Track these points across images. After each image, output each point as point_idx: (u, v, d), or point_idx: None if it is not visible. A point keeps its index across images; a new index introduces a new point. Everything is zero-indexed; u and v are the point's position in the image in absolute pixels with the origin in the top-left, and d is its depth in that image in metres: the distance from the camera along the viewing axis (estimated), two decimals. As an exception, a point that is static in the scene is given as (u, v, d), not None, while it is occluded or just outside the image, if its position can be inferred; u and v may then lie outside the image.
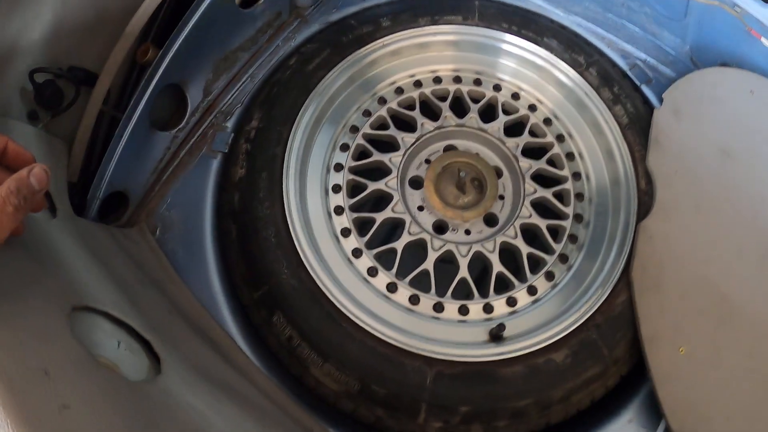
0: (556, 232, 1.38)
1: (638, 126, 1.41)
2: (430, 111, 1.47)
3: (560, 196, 1.41)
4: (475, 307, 1.27)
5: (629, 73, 1.52)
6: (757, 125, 1.53)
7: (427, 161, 1.43)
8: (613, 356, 1.20)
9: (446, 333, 1.22)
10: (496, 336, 1.21)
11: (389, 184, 1.36)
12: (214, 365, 1.12)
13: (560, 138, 1.46)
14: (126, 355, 0.93)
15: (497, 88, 1.50)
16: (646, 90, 1.51)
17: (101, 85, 1.29)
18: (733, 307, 1.30)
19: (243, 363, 1.20)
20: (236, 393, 1.06)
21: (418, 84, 1.50)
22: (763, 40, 1.67)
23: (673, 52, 1.59)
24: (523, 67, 1.50)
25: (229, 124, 1.40)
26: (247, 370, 1.18)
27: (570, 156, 1.44)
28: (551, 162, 1.44)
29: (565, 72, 1.45)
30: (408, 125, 1.45)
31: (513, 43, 1.48)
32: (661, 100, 1.45)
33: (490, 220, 1.39)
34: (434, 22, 1.48)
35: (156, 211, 1.29)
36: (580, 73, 1.45)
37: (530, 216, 1.36)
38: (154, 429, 0.82)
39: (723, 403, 1.22)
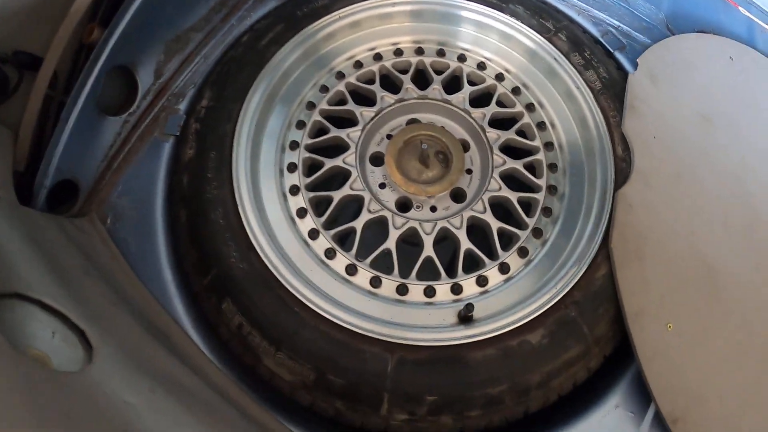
0: (529, 206, 1.28)
1: (612, 91, 1.33)
2: (392, 84, 1.40)
3: (532, 168, 1.32)
4: (443, 288, 1.17)
5: (602, 40, 1.44)
6: (737, 91, 1.46)
7: (389, 136, 1.35)
8: (595, 335, 1.10)
9: (411, 317, 1.13)
10: (465, 317, 1.11)
11: (347, 160, 1.27)
12: (158, 358, 1.04)
13: (530, 107, 1.37)
14: (59, 346, 0.87)
15: (462, 58, 1.43)
16: (620, 56, 1.43)
17: (46, 69, 1.21)
18: (720, 278, 1.22)
19: (193, 354, 1.12)
20: (180, 387, 0.97)
21: (378, 57, 1.42)
22: (740, 8, 1.61)
23: (648, 19, 1.53)
24: (488, 36, 1.43)
25: (182, 107, 1.33)
26: (198, 363, 1.11)
27: (541, 125, 1.36)
28: (521, 132, 1.35)
29: (532, 38, 1.38)
30: (368, 99, 1.37)
31: (477, 11, 1.42)
32: (635, 66, 1.37)
33: (458, 195, 1.30)
34: (393, -8, 1.41)
35: (107, 199, 1.22)
36: (548, 39, 1.37)
37: (500, 189, 1.27)
38: (72, 422, 0.74)
39: (716, 382, 1.12)
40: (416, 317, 1.13)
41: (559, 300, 1.11)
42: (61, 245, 1.07)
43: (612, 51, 1.43)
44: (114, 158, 1.27)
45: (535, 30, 1.38)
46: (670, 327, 1.15)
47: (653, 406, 1.10)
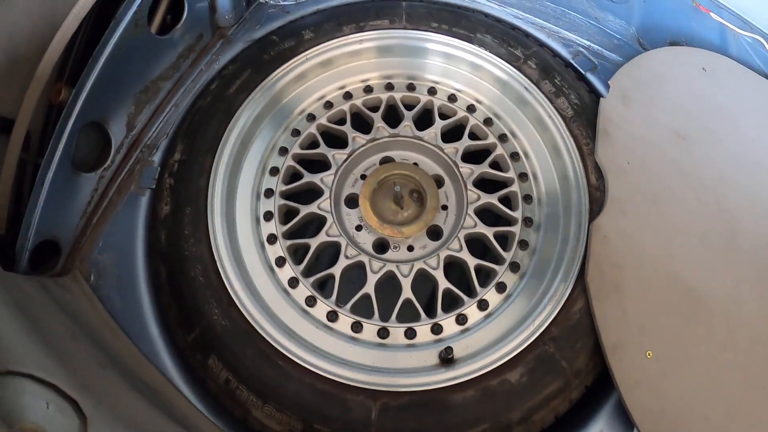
0: (505, 240, 1.29)
1: (584, 117, 1.32)
2: (363, 123, 1.40)
3: (507, 200, 1.32)
4: (423, 329, 1.19)
5: (573, 62, 1.43)
6: (710, 102, 1.45)
7: (363, 176, 1.35)
8: (574, 368, 1.12)
9: (393, 360, 1.14)
10: (445, 360, 1.13)
11: (322, 206, 1.28)
12: (151, 417, 1.06)
13: (503, 138, 1.37)
14: (55, 417, 0.88)
15: (432, 91, 1.42)
16: (592, 78, 1.42)
17: (17, 132, 1.22)
18: (701, 299, 1.22)
19: (185, 409, 1.14)
20: (175, 446, 1.00)
21: (348, 96, 1.42)
22: (712, 14, 1.59)
23: (619, 35, 1.51)
24: (457, 67, 1.42)
25: (156, 158, 1.33)
26: (190, 417, 1.13)
27: (515, 156, 1.36)
28: (495, 164, 1.35)
29: (501, 67, 1.37)
30: (340, 141, 1.37)
31: (445, 43, 1.41)
32: (607, 87, 1.37)
33: (434, 233, 1.31)
34: (360, 29, 1.40)
35: (89, 256, 1.23)
36: (518, 68, 1.36)
37: (475, 225, 1.27)
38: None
39: (698, 404, 1.13)
40: (398, 360, 1.14)
41: (537, 337, 1.12)
42: (47, 310, 1.08)
43: (584, 73, 1.42)
44: (93, 215, 1.28)
45: (504, 59, 1.37)
46: (649, 355, 1.16)
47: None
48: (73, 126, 1.17)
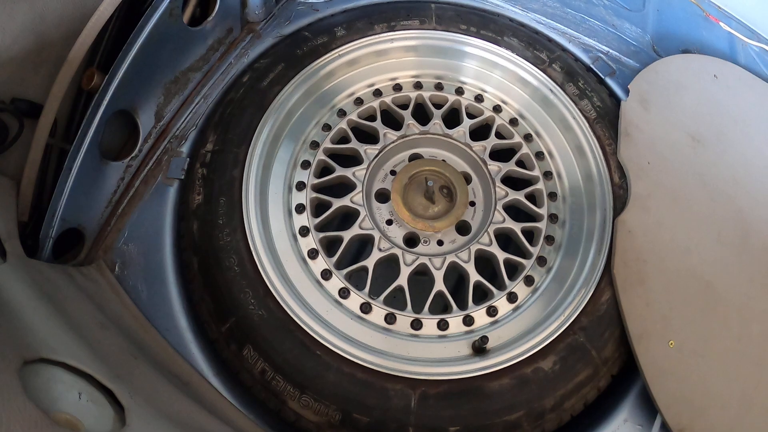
0: (531, 235, 1.33)
1: (606, 119, 1.38)
2: (392, 120, 1.42)
3: (533, 197, 1.36)
4: (455, 321, 1.21)
5: (593, 67, 1.49)
6: (723, 109, 1.52)
7: (393, 172, 1.38)
8: (603, 357, 1.15)
9: (427, 350, 1.16)
10: (479, 349, 1.15)
11: (354, 199, 1.30)
12: (185, 408, 1.04)
13: (528, 137, 1.42)
14: (89, 408, 0.86)
15: (459, 91, 1.46)
16: (611, 82, 1.48)
17: (46, 116, 1.19)
18: (717, 293, 1.28)
19: (216, 401, 1.13)
20: (210, 436, 0.99)
21: (377, 93, 1.44)
22: (721, 24, 1.68)
23: (635, 42, 1.58)
24: (484, 68, 1.47)
25: (185, 149, 1.33)
26: (221, 409, 1.12)
27: (539, 155, 1.40)
28: (521, 163, 1.40)
29: (528, 70, 1.42)
30: (370, 137, 1.39)
31: (472, 45, 1.45)
32: (626, 92, 1.43)
33: (463, 228, 1.34)
34: (391, 29, 1.43)
35: (114, 246, 1.22)
36: (543, 70, 1.41)
37: (504, 221, 1.31)
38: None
39: (716, 392, 1.18)
40: (432, 351, 1.16)
41: (568, 326, 1.15)
42: (75, 299, 1.07)
43: (603, 77, 1.48)
44: (118, 204, 1.27)
45: (530, 62, 1.42)
46: (671, 344, 1.21)
47: (659, 419, 1.15)
48: (104, 113, 1.16)
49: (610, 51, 1.53)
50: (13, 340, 0.83)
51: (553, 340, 1.14)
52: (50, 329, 0.91)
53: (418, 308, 1.22)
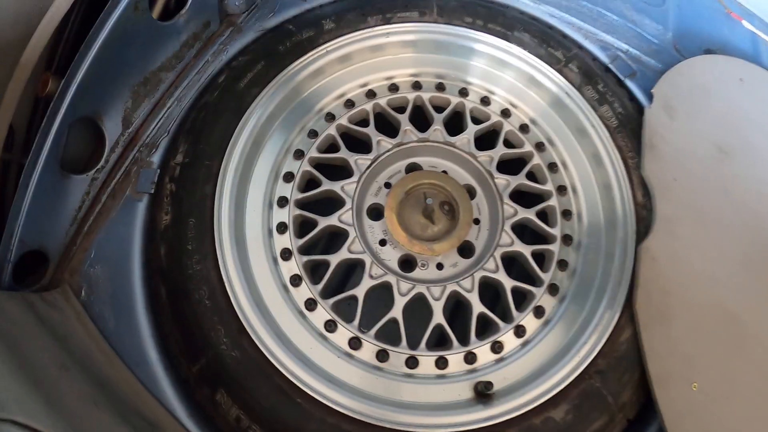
0: (542, 258, 1.19)
1: (629, 128, 1.23)
2: (388, 125, 1.26)
3: (544, 215, 1.22)
4: (455, 358, 1.08)
5: (611, 67, 1.33)
6: (749, 116, 1.39)
7: (387, 185, 1.22)
8: (619, 403, 1.04)
9: (423, 394, 1.04)
10: (483, 394, 1.02)
11: (343, 218, 1.15)
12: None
13: (540, 146, 1.26)
14: None
15: (463, 92, 1.30)
16: (631, 84, 1.32)
17: (-1, 128, 1.08)
18: (743, 326, 1.16)
19: None
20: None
21: (371, 94, 1.28)
22: (744, 22, 1.54)
23: (656, 40, 1.42)
24: (492, 67, 1.30)
25: (156, 159, 1.19)
26: None
27: (552, 167, 1.25)
28: (531, 175, 1.25)
29: (541, 70, 1.26)
30: (362, 144, 1.24)
31: (479, 40, 1.28)
32: (649, 96, 1.28)
33: (466, 249, 1.19)
34: (386, 21, 1.27)
35: (80, 268, 1.10)
36: (559, 71, 1.25)
37: (512, 243, 1.16)
38: None
39: (744, 435, 1.07)
40: (428, 394, 1.04)
41: (583, 370, 1.03)
42: (33, 334, 0.96)
43: (623, 79, 1.32)
44: (84, 221, 1.15)
45: (543, 60, 1.26)
46: (695, 387, 1.09)
47: None
48: (62, 121, 1.04)
49: (630, 49, 1.37)
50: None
51: (567, 385, 1.01)
52: (1, 381, 0.79)
53: (413, 343, 1.08)
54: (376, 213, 1.21)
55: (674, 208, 1.16)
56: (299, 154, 1.21)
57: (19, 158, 1.15)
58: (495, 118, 1.28)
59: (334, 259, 1.12)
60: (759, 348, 1.16)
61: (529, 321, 1.12)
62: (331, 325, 1.07)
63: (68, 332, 1.03)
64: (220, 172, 1.10)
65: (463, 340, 1.09)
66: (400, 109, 1.28)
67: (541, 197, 1.23)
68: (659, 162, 1.19)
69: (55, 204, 1.10)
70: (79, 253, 1.12)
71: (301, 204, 1.17)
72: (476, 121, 1.28)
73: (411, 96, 1.28)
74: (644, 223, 1.15)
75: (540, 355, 1.08)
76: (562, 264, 1.17)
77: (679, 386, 1.07)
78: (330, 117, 1.25)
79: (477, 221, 1.22)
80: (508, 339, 1.10)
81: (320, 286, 1.10)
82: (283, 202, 1.16)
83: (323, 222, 1.15)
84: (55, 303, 1.06)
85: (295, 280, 1.10)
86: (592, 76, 1.26)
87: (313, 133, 1.23)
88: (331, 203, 1.18)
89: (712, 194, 1.23)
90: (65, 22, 1.11)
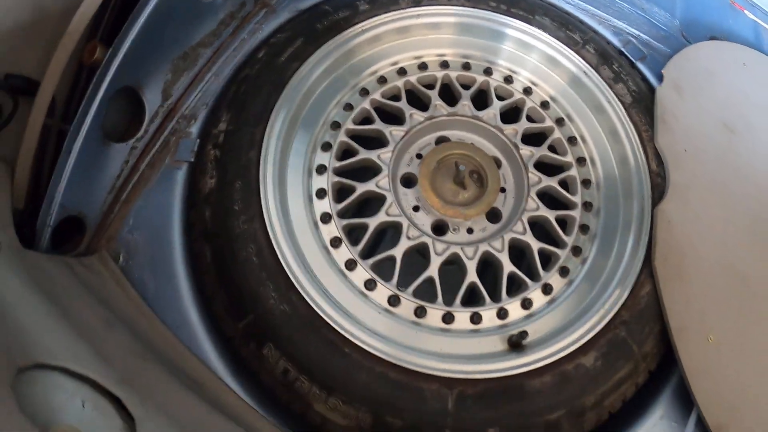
0: (564, 224, 1.26)
1: (643, 105, 1.32)
2: (418, 100, 1.34)
3: (565, 184, 1.30)
4: (488, 314, 1.14)
5: (624, 50, 1.43)
6: (753, 98, 1.49)
7: (419, 156, 1.29)
8: (643, 352, 1.10)
9: (460, 346, 1.09)
10: (516, 344, 1.08)
11: (380, 184, 1.21)
12: (201, 414, 0.95)
13: (560, 122, 1.35)
14: (94, 418, 0.78)
15: (488, 71, 1.38)
16: (642, 67, 1.42)
17: (43, 94, 1.09)
18: (753, 285, 1.24)
19: (234, 404, 1.03)
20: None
21: (402, 72, 1.36)
22: (746, 12, 1.65)
23: (665, 27, 1.53)
24: (515, 48, 1.39)
25: (194, 129, 1.22)
26: (240, 412, 1.02)
27: (572, 140, 1.33)
28: (552, 148, 1.33)
29: (561, 51, 1.35)
30: (395, 117, 1.30)
31: (503, 23, 1.37)
32: (660, 76, 1.37)
33: (493, 215, 1.26)
34: (416, 3, 1.35)
35: (118, 235, 1.11)
36: (577, 52, 1.35)
37: (537, 208, 1.24)
38: None
39: (757, 387, 1.14)
40: (465, 346, 1.09)
41: (610, 320, 1.10)
42: (75, 293, 0.97)
43: (634, 61, 1.42)
44: (122, 189, 1.16)
45: (562, 42, 1.35)
46: (711, 339, 1.16)
47: (694, 415, 1.11)
48: (107, 89, 1.05)
49: (641, 35, 1.48)
50: (7, 345, 0.74)
51: (595, 334, 1.08)
52: (48, 329, 0.82)
53: (449, 301, 1.14)
54: (408, 182, 1.27)
55: (685, 176, 1.25)
56: (336, 126, 1.27)
57: (59, 124, 1.15)
58: (518, 95, 1.36)
59: (373, 222, 1.18)
60: (765, 308, 1.24)
61: (555, 280, 1.19)
62: (371, 284, 1.12)
63: (108, 295, 1.04)
64: (263, 139, 1.15)
65: (495, 297, 1.16)
66: (429, 86, 1.35)
67: (561, 168, 1.31)
68: (671, 135, 1.29)
69: (95, 171, 1.12)
70: (116, 220, 1.13)
71: (338, 171, 1.23)
72: (500, 98, 1.36)
73: (439, 74, 1.36)
74: (659, 190, 1.23)
75: (566, 310, 1.15)
76: (584, 228, 1.25)
77: (697, 338, 1.14)
78: (364, 92, 1.32)
79: (503, 189, 1.29)
80: (537, 296, 1.17)
81: (359, 247, 1.16)
82: (321, 169, 1.22)
83: (361, 188, 1.20)
84: (92, 267, 1.07)
85: (335, 242, 1.15)
86: (608, 57, 1.36)
87: (349, 107, 1.29)
88: (366, 171, 1.24)
89: (719, 165, 1.32)
90: (110, -7, 1.12)
